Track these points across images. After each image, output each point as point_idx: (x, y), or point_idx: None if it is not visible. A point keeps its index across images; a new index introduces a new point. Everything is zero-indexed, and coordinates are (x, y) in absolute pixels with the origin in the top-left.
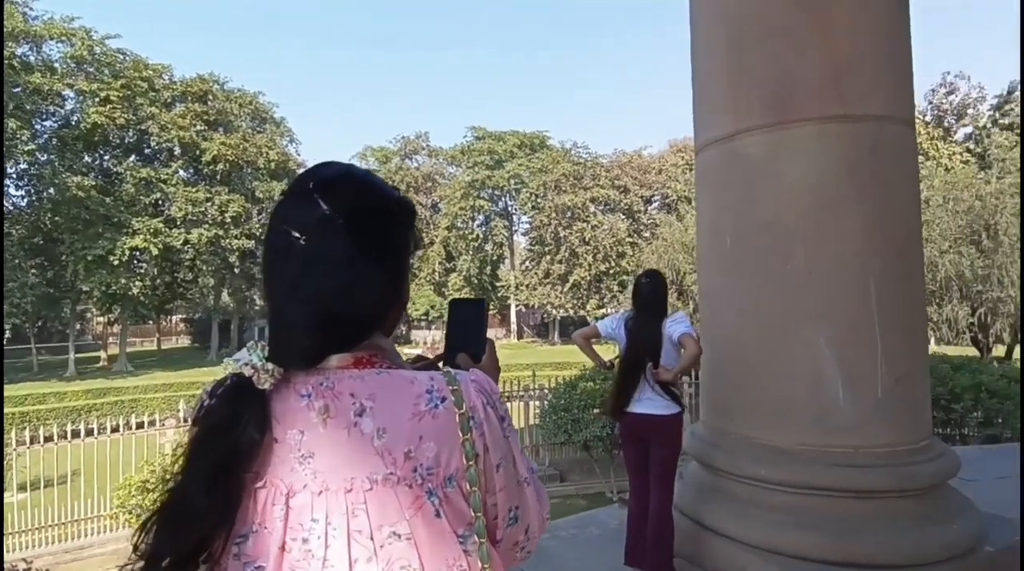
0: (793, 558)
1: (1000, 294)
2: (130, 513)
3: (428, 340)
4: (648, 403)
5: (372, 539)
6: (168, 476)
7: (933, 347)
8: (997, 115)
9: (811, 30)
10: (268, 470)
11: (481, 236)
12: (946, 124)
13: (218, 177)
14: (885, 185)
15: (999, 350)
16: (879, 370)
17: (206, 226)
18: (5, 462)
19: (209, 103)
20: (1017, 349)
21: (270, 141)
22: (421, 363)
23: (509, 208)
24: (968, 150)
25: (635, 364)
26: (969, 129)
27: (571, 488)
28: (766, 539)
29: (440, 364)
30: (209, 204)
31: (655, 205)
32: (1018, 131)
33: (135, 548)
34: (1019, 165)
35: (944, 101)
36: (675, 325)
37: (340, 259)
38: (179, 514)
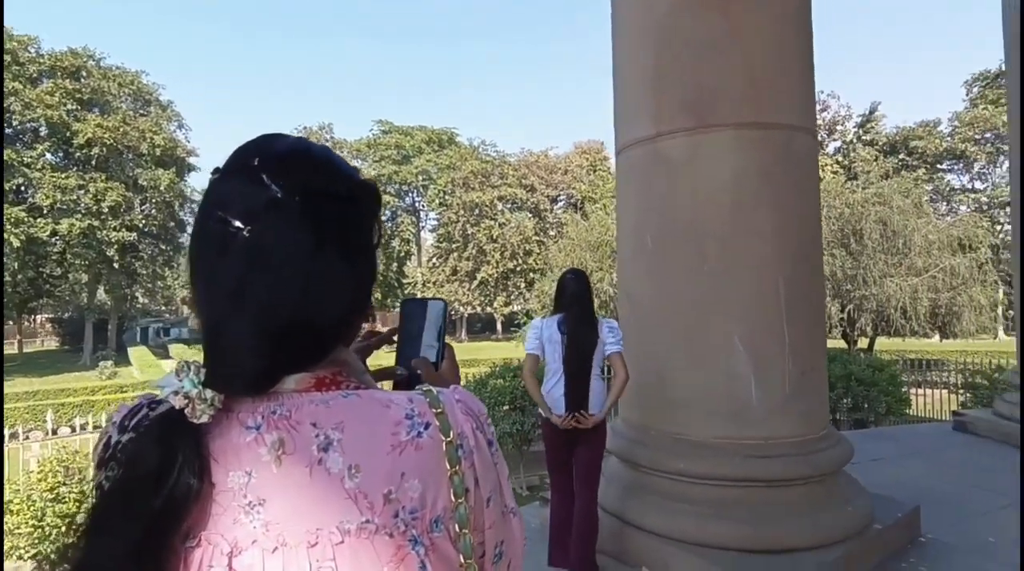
0: (714, 548)
1: (865, 292)
2: None
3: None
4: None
5: None
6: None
7: None
8: (860, 132)
9: (730, 42)
10: (204, 524)
11: (388, 232)
12: (820, 138)
13: (93, 162)
14: (794, 190)
15: (863, 342)
16: (787, 365)
17: (78, 216)
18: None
19: (83, 80)
20: (879, 341)
21: (155, 125)
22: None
23: (416, 204)
24: (837, 162)
25: (582, 369)
26: (838, 143)
27: None
28: (687, 532)
29: (397, 372)
30: (82, 192)
31: (561, 204)
32: (879, 147)
33: None
34: (1020, 166)
35: (818, 117)
36: (610, 337)
37: (297, 256)
38: None
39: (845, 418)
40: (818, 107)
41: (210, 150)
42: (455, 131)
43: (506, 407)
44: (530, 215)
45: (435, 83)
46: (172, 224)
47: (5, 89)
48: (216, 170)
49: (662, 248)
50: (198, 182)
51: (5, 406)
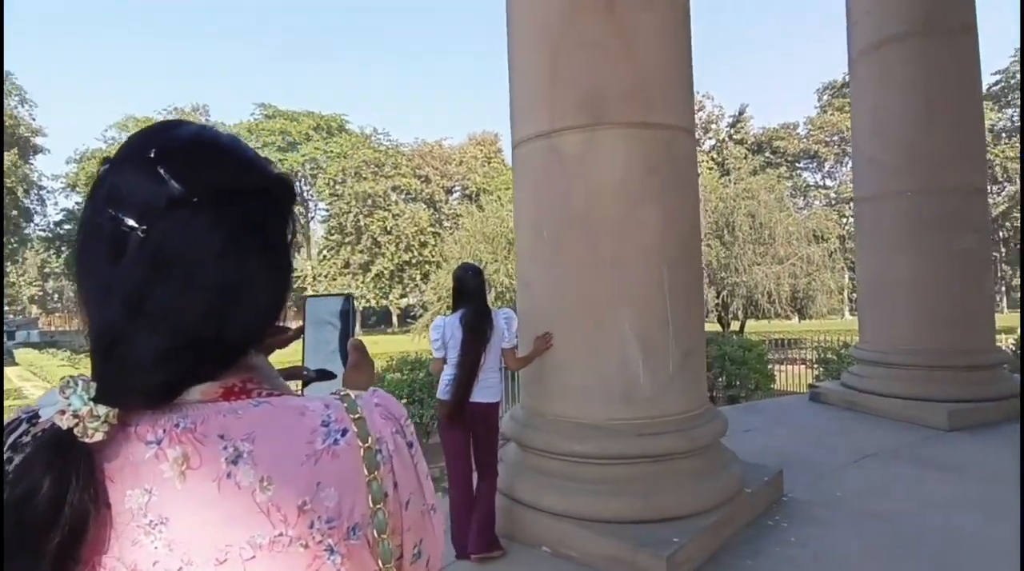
0: (606, 522)
1: (736, 279)
2: None
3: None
4: (480, 392)
5: None
6: None
7: None
8: (732, 131)
9: (617, 43)
10: (99, 549)
11: None
12: (697, 136)
13: None
14: (676, 186)
15: (735, 325)
16: (671, 347)
17: None
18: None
19: None
20: (749, 324)
21: None
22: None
23: (305, 194)
24: (712, 159)
25: (476, 361)
26: (713, 141)
27: None
28: (582, 510)
29: (304, 372)
30: None
31: (456, 195)
32: (747, 146)
33: None
34: (1019, 169)
35: (695, 116)
36: (507, 329)
37: (204, 260)
38: None
39: (720, 395)
40: (695, 107)
41: (65, 132)
42: (345, 118)
43: (404, 400)
44: (425, 206)
45: (323, 67)
46: (15, 213)
47: None
48: (105, 159)
49: (558, 240)
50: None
51: None
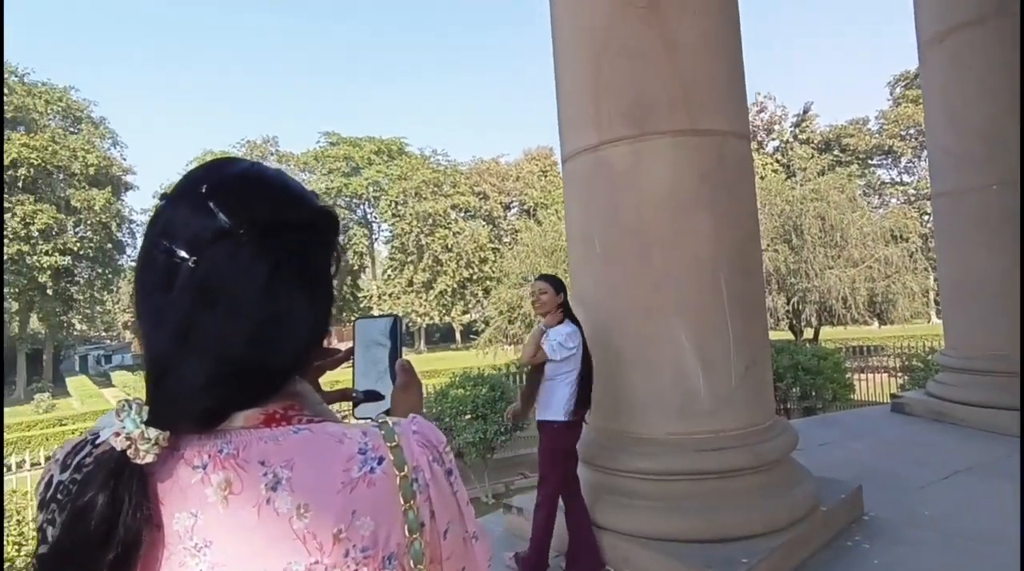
0: (670, 541)
1: (807, 285)
2: None
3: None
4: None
5: None
6: None
7: None
8: (796, 131)
9: (664, 52)
10: (150, 567)
11: (340, 246)
12: (759, 138)
13: (20, 184)
14: (729, 192)
15: (809, 333)
16: (731, 358)
17: (6, 241)
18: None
19: (4, 98)
20: (823, 330)
21: (87, 143)
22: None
23: (368, 216)
24: (777, 161)
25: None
26: (776, 143)
27: None
28: (643, 527)
29: (353, 394)
30: (9, 215)
31: (514, 211)
32: (814, 145)
33: None
34: (1019, 169)
35: (756, 118)
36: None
37: (249, 291)
38: None
39: (795, 407)
40: (755, 108)
41: (150, 167)
42: (405, 141)
43: (468, 416)
44: (484, 223)
45: (382, 94)
46: (110, 245)
47: None
48: (163, 196)
49: (609, 252)
50: (137, 202)
51: None
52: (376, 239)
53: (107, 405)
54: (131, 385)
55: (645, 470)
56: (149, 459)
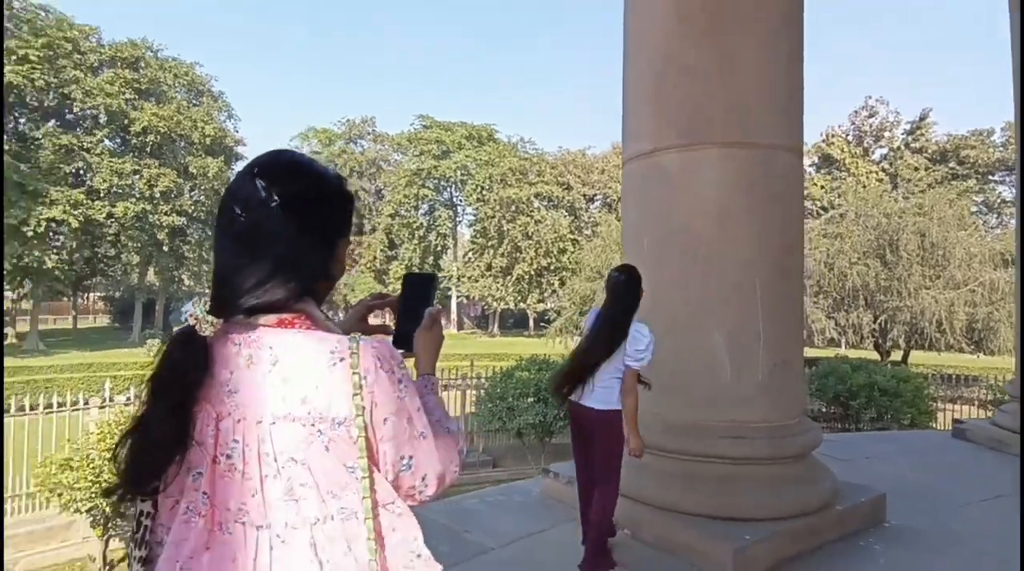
0: (681, 513)
1: (899, 303)
2: (51, 491)
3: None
4: (592, 398)
5: (276, 460)
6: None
7: (840, 350)
8: (909, 139)
9: (719, 68)
10: (204, 396)
11: (425, 225)
12: (865, 144)
13: (148, 149)
14: (774, 202)
15: (897, 355)
16: (761, 357)
17: (133, 200)
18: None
19: (141, 71)
20: (913, 353)
21: (206, 115)
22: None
23: (454, 199)
24: (883, 170)
25: (592, 362)
26: (885, 150)
27: (504, 474)
28: (656, 496)
29: (391, 331)
30: (137, 177)
31: (597, 204)
32: (928, 155)
33: (113, 458)
34: (1019, 169)
35: (865, 123)
36: (632, 345)
37: (272, 236)
38: (144, 440)
39: (866, 426)
40: (864, 112)
41: (256, 139)
42: (495, 128)
43: (531, 399)
44: (566, 213)
45: (478, 81)
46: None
47: (67, 76)
48: (238, 172)
49: (657, 251)
50: None
51: (63, 376)
52: (460, 222)
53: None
54: None
55: (665, 447)
56: (208, 332)
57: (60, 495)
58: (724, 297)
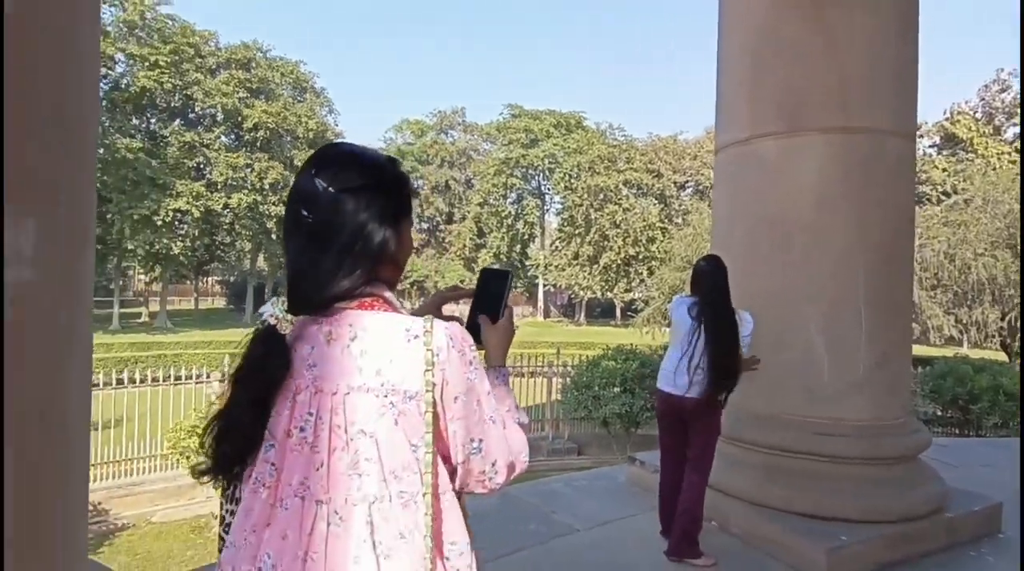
0: (773, 509)
1: None
2: (181, 454)
3: (456, 312)
4: (687, 386)
5: (345, 432)
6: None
7: (961, 350)
8: None
9: (823, 50)
10: (292, 374)
11: (513, 214)
12: (997, 122)
13: (258, 144)
14: (880, 189)
15: None
16: (861, 352)
17: (245, 191)
18: None
19: (252, 71)
20: None
21: (310, 110)
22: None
23: (542, 187)
24: (1016, 150)
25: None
26: (1019, 129)
27: (588, 462)
28: (745, 489)
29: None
30: (249, 170)
31: (688, 191)
32: None
33: (201, 445)
34: (1020, 167)
35: (996, 98)
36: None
37: (337, 228)
38: (230, 429)
39: (988, 433)
40: (996, 87)
41: (353, 130)
42: (583, 115)
43: (616, 388)
44: (655, 201)
45: (569, 68)
46: None
47: (190, 79)
48: (299, 172)
49: (749, 238)
50: None
51: (189, 352)
52: (548, 210)
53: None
54: None
55: (756, 441)
56: (286, 330)
57: (188, 458)
58: (821, 288)
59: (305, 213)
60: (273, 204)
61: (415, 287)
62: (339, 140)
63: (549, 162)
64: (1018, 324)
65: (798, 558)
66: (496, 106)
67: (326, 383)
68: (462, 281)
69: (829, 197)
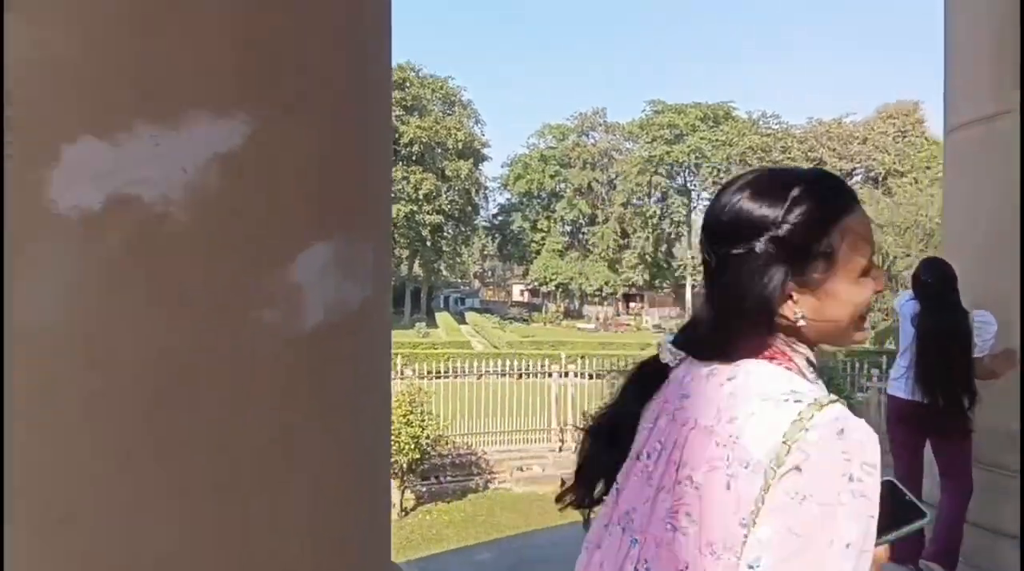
0: None
1: None
2: None
3: (600, 316)
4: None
5: (677, 472)
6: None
7: None
8: None
9: None
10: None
11: (658, 213)
12: None
13: (413, 157)
14: None
15: None
16: None
17: (403, 202)
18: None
19: (406, 90)
20: None
21: (458, 123)
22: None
23: (688, 184)
24: None
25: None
26: None
27: None
28: (1004, 524)
29: None
30: (405, 182)
31: (857, 178)
32: None
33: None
34: (1020, 168)
35: None
36: (976, 336)
37: (737, 285)
38: (591, 465)
39: None
40: None
41: (496, 139)
42: (732, 105)
43: None
44: None
45: (716, 56)
46: (469, 208)
47: None
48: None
49: (999, 232)
50: (489, 171)
51: None
52: (695, 209)
53: (463, 338)
54: (479, 324)
55: (1008, 466)
56: (667, 360)
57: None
58: None
59: (707, 258)
60: (427, 213)
61: (560, 289)
62: (727, 182)
63: (695, 157)
64: None
65: None
66: (637, 103)
67: (685, 414)
68: (606, 283)
69: None
